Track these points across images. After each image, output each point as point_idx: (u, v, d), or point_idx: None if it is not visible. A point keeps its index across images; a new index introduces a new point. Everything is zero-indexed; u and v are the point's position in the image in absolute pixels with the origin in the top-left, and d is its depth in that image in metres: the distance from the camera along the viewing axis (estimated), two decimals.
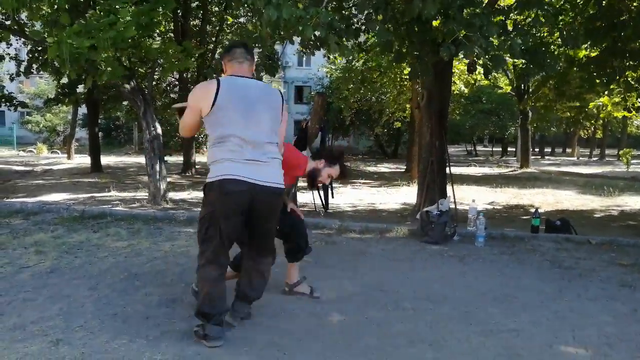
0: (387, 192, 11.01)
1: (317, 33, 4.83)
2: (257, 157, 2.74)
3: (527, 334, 3.06)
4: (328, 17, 4.74)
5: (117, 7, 5.99)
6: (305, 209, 7.44)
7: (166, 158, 8.66)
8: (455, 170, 12.27)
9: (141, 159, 13.81)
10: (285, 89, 35.02)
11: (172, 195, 8.67)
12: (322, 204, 7.61)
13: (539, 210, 6.43)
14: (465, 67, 14.63)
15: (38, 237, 5.13)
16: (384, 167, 20.12)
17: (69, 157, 19.53)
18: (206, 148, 19.00)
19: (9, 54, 12.72)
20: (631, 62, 7.79)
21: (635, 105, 12.14)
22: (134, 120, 22.93)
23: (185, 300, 3.44)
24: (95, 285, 3.72)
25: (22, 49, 13.50)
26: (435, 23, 6.46)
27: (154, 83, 11.19)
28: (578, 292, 3.92)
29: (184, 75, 14.10)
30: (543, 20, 6.19)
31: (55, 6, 6.21)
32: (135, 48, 7.11)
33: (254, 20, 13.12)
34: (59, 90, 14.42)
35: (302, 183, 5.55)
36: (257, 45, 6.99)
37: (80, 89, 14.61)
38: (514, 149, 31.01)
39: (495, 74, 18.76)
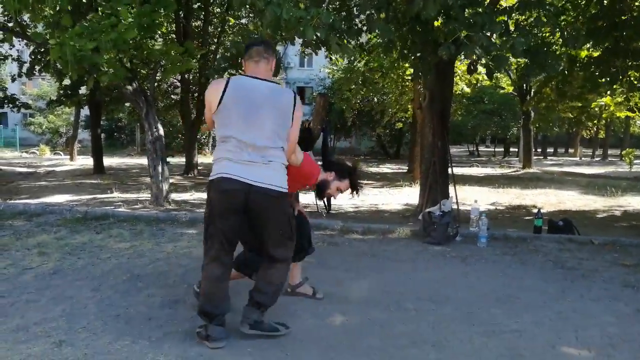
0: (389, 193, 11.01)
1: (318, 34, 4.83)
2: (256, 158, 2.73)
3: (529, 335, 3.06)
4: (329, 18, 4.74)
5: (118, 8, 6.01)
6: (307, 210, 7.44)
7: (168, 159, 8.68)
8: (458, 170, 12.26)
9: (143, 160, 13.83)
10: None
11: (174, 196, 8.69)
12: (325, 205, 7.60)
13: (542, 211, 6.42)
14: (466, 70, 14.68)
15: (41, 239, 5.14)
16: (386, 168, 20.11)
17: (71, 159, 19.57)
18: (208, 149, 19.06)
19: (11, 55, 12.76)
20: (634, 62, 7.76)
21: (639, 105, 12.12)
22: (136, 122, 22.99)
23: (188, 301, 3.44)
24: (98, 287, 3.72)
25: (25, 51, 13.54)
26: (437, 23, 6.46)
27: (155, 84, 11.20)
28: (581, 292, 3.91)
29: (186, 76, 14.12)
30: (544, 20, 6.19)
31: (58, 8, 6.23)
32: (137, 49, 7.13)
33: (255, 21, 13.16)
34: (61, 92, 14.45)
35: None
36: None
37: (83, 90, 14.66)
38: (516, 150, 30.97)
39: (498, 75, 18.76)
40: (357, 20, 6.59)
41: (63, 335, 2.86)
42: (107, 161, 16.48)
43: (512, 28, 5.91)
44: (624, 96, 12.80)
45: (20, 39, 9.25)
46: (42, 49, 10.73)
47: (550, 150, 38.74)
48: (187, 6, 12.64)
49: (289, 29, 4.96)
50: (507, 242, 5.56)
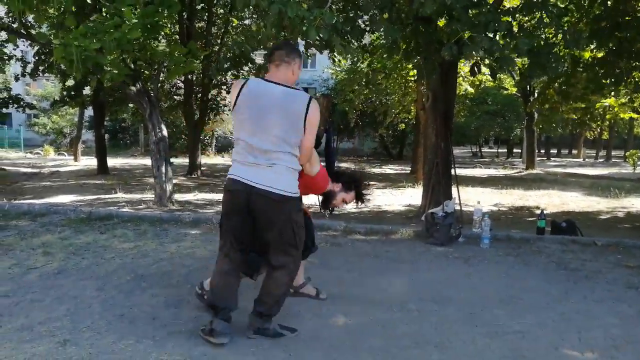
0: (392, 194, 11.02)
1: (321, 35, 4.84)
2: (260, 161, 2.74)
3: (532, 336, 3.06)
4: (332, 19, 4.75)
5: (122, 9, 6.03)
6: (310, 210, 7.44)
7: (172, 160, 8.70)
8: (461, 171, 12.26)
9: (147, 161, 13.88)
10: None
11: (178, 196, 8.71)
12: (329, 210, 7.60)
13: (545, 212, 6.41)
14: (469, 71, 14.66)
15: (45, 239, 5.16)
16: (389, 169, 20.12)
17: (75, 159, 19.63)
18: (211, 150, 19.04)
19: (15, 56, 12.81)
20: (638, 63, 7.76)
21: None
22: (139, 122, 23.03)
23: (192, 301, 3.45)
24: (102, 286, 3.74)
25: (29, 51, 13.59)
26: (440, 23, 6.46)
27: (158, 85, 11.23)
28: (584, 294, 3.91)
29: (189, 77, 14.16)
30: (547, 21, 6.18)
31: (62, 8, 6.26)
32: (140, 50, 7.15)
33: (258, 22, 13.18)
34: (64, 92, 14.51)
35: None
36: (259, 47, 7.02)
37: (87, 91, 14.71)
38: (519, 151, 30.91)
39: (501, 76, 18.73)
40: (360, 20, 6.61)
41: (67, 334, 2.88)
42: (111, 162, 16.51)
43: (515, 29, 5.91)
44: (628, 97, 12.77)
45: (24, 40, 9.31)
46: (46, 50, 10.79)
47: (553, 151, 38.66)
48: (190, 7, 12.67)
49: (292, 29, 4.97)
50: (510, 243, 5.56)
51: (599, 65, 8.25)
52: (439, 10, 5.28)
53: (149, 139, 8.19)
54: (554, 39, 7.54)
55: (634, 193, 11.68)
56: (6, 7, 7.52)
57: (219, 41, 14.70)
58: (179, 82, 16.34)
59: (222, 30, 14.75)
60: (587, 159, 32.77)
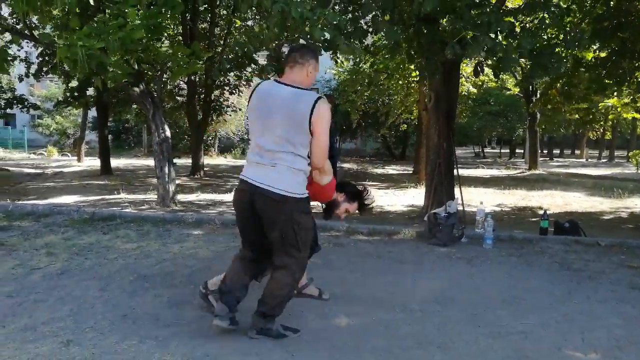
0: (394, 194, 11.01)
1: (326, 34, 4.85)
2: (264, 161, 2.78)
3: (535, 337, 3.06)
4: (336, 18, 4.75)
5: (125, 10, 6.05)
6: (314, 211, 7.44)
7: (175, 160, 8.72)
8: (463, 172, 12.25)
9: (150, 162, 13.89)
10: None
11: (180, 197, 8.72)
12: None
13: (548, 212, 6.40)
14: (472, 72, 14.64)
15: (49, 239, 5.18)
16: (391, 169, 20.11)
17: (79, 160, 19.66)
18: (214, 150, 19.05)
19: (19, 57, 12.86)
20: None
21: None
22: (143, 123, 23.08)
23: (194, 301, 3.45)
24: (105, 287, 3.75)
25: (33, 52, 13.64)
26: (443, 21, 6.45)
27: (161, 86, 11.26)
28: (587, 294, 3.90)
29: (192, 78, 14.18)
30: (548, 21, 6.18)
31: (66, 9, 6.28)
32: (144, 51, 7.17)
33: (261, 23, 13.19)
34: (67, 93, 14.54)
35: None
36: (262, 47, 7.02)
37: (90, 91, 14.74)
38: (522, 151, 30.85)
39: (503, 76, 18.71)
40: (362, 21, 6.61)
41: (70, 334, 2.89)
42: (114, 162, 16.54)
43: (517, 30, 5.91)
44: (631, 97, 12.72)
45: (28, 41, 9.35)
46: (50, 51, 10.82)
47: (556, 151, 38.59)
48: (193, 8, 12.69)
49: (295, 29, 4.98)
50: (513, 243, 5.55)
51: (602, 65, 8.23)
52: (441, 9, 5.28)
53: (152, 139, 8.20)
54: (556, 39, 7.54)
55: (637, 193, 11.65)
56: (10, 8, 7.55)
57: (221, 42, 14.71)
58: (182, 82, 16.37)
59: (225, 31, 14.77)
60: (589, 159, 32.71)
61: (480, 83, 17.01)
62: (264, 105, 2.79)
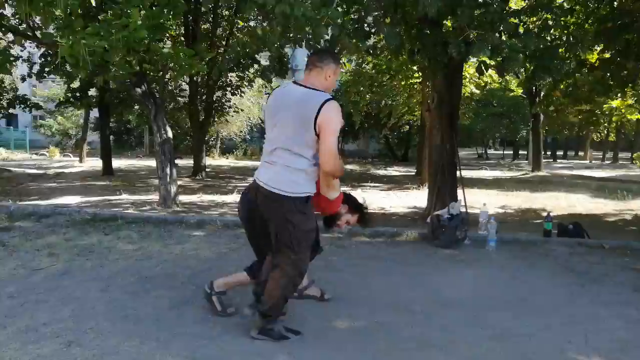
0: (397, 196, 10.98)
1: (331, 32, 4.85)
2: (267, 159, 2.86)
3: (538, 339, 3.03)
4: (338, 17, 4.75)
5: (128, 11, 6.05)
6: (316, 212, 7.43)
7: (176, 161, 8.71)
8: (466, 173, 12.20)
9: (152, 162, 13.89)
10: None
11: (182, 198, 8.72)
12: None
13: (551, 214, 6.37)
14: (475, 70, 14.60)
15: (50, 240, 5.18)
16: (393, 171, 20.08)
17: (80, 161, 19.67)
18: (216, 151, 19.03)
19: (22, 57, 12.87)
20: None
21: None
22: (144, 124, 23.10)
23: (196, 302, 3.45)
24: (106, 288, 3.74)
25: (36, 53, 13.65)
26: (448, 23, 6.44)
27: (164, 86, 11.27)
28: (591, 297, 3.87)
29: (194, 78, 14.18)
30: (551, 23, 6.17)
31: (68, 10, 6.28)
32: (146, 52, 7.17)
33: (263, 25, 13.17)
34: (69, 94, 14.56)
35: None
36: (264, 48, 7.01)
37: (92, 92, 14.75)
38: (525, 152, 30.80)
39: (507, 77, 18.67)
40: (364, 22, 6.59)
41: (72, 335, 2.88)
42: (116, 163, 16.57)
43: (520, 31, 5.89)
44: (635, 99, 12.70)
45: (30, 42, 9.36)
46: (52, 51, 10.82)
47: (560, 153, 38.50)
48: (196, 9, 12.70)
49: (299, 28, 4.97)
50: (516, 245, 5.53)
51: (606, 67, 8.20)
52: (445, 11, 5.26)
53: (154, 140, 8.20)
54: (558, 41, 7.52)
55: None
56: (13, 8, 7.55)
57: (224, 42, 14.70)
58: (183, 83, 16.37)
59: (227, 32, 14.77)
60: (593, 161, 32.62)
61: (483, 84, 16.96)
62: (275, 104, 2.86)
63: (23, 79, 14.00)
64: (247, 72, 14.42)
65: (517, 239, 5.75)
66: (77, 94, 14.35)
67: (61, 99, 15.83)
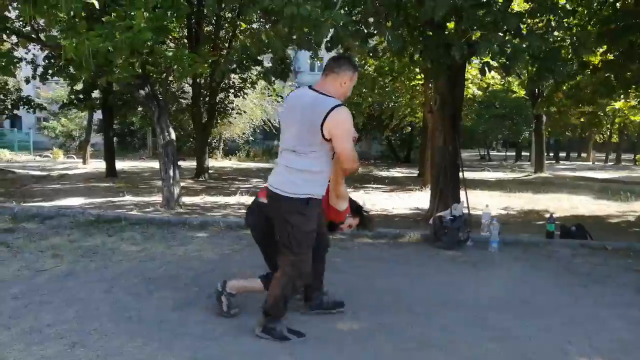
0: (399, 197, 10.98)
1: (335, 32, 4.88)
2: (277, 161, 2.94)
3: (540, 340, 3.04)
4: (341, 19, 4.77)
5: (132, 13, 6.08)
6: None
7: (180, 163, 8.73)
8: (469, 175, 12.20)
9: (155, 164, 13.93)
10: None
11: (185, 200, 8.74)
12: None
13: (554, 216, 6.36)
14: (478, 71, 14.58)
15: (54, 241, 5.20)
16: (396, 172, 20.07)
17: (84, 162, 19.72)
18: (219, 153, 19.03)
19: (26, 59, 12.93)
20: None
21: None
22: (148, 126, 23.15)
23: (199, 304, 3.46)
24: (110, 289, 3.76)
25: (39, 55, 13.70)
26: (450, 25, 6.44)
27: (167, 88, 11.28)
28: (593, 298, 3.87)
29: (197, 80, 14.22)
30: (555, 24, 6.16)
31: (72, 13, 6.31)
32: (149, 54, 7.20)
33: (266, 27, 13.18)
34: (73, 96, 14.61)
35: None
36: (267, 50, 7.03)
37: (96, 94, 14.79)
38: (528, 154, 30.74)
39: (509, 79, 18.64)
40: (365, 25, 6.60)
41: (76, 336, 2.90)
42: (120, 165, 16.59)
43: (524, 31, 5.89)
44: (638, 100, 12.67)
45: (34, 44, 9.40)
46: (56, 53, 10.86)
47: (562, 154, 38.40)
48: (199, 11, 12.73)
49: (302, 29, 4.99)
50: (519, 247, 5.52)
51: (609, 68, 8.18)
52: (449, 13, 5.27)
53: (157, 142, 8.23)
54: (561, 42, 7.51)
55: None
56: (17, 11, 7.59)
57: (227, 45, 14.73)
58: (186, 85, 16.40)
59: (230, 34, 14.80)
60: (596, 162, 32.53)
61: (485, 86, 16.94)
62: (287, 108, 2.91)
63: (27, 81, 14.05)
64: (249, 74, 14.43)
65: (519, 241, 5.75)
66: (81, 96, 14.39)
67: (65, 101, 15.89)
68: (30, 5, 5.88)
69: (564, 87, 10.11)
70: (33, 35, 8.12)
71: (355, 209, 3.45)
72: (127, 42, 6.03)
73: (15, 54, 8.42)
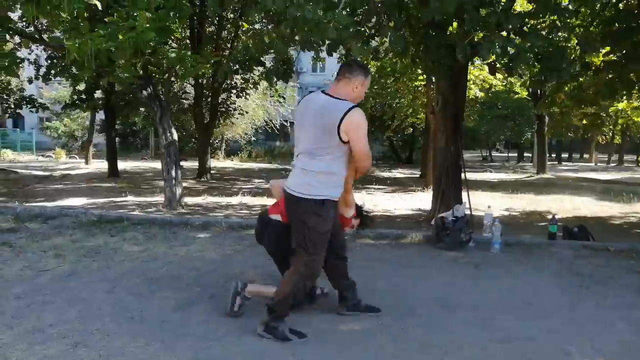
0: (401, 198, 10.97)
1: (340, 35, 4.88)
2: (294, 163, 2.98)
3: (542, 342, 3.03)
4: (345, 21, 4.78)
5: (135, 14, 6.10)
6: None
7: (182, 163, 8.74)
8: (471, 176, 12.19)
9: (157, 164, 13.94)
10: (299, 94, 35.12)
11: (187, 200, 8.75)
12: None
13: (556, 217, 6.35)
14: (480, 72, 14.58)
15: (57, 241, 5.21)
16: (398, 173, 20.06)
17: (86, 162, 19.75)
18: (221, 153, 19.06)
19: (28, 59, 12.96)
20: None
21: None
22: (150, 126, 23.18)
23: (201, 304, 3.47)
24: (112, 289, 3.77)
25: (42, 55, 13.73)
26: (453, 26, 6.43)
27: (169, 89, 11.31)
28: (596, 299, 3.86)
29: (199, 80, 14.24)
30: (559, 24, 6.15)
31: (75, 14, 6.32)
32: (152, 54, 7.22)
33: (268, 27, 13.19)
34: (75, 96, 14.64)
35: None
36: (269, 51, 7.04)
37: (98, 94, 14.82)
38: (530, 155, 30.70)
39: (511, 79, 18.61)
40: (366, 26, 6.60)
41: (78, 336, 2.90)
42: (122, 165, 16.64)
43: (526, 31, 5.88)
44: None
45: (37, 45, 9.42)
46: (59, 54, 10.88)
47: (565, 155, 38.34)
48: (201, 12, 12.75)
49: (304, 31, 5.00)
50: (521, 248, 5.51)
51: (612, 69, 8.16)
52: (452, 13, 5.27)
53: (160, 142, 8.24)
54: (565, 42, 7.50)
55: None
56: (20, 11, 7.61)
57: (229, 45, 14.75)
58: (188, 85, 16.42)
59: (233, 34, 14.82)
60: (599, 164, 32.46)
61: (487, 87, 16.92)
62: (300, 111, 2.94)
63: (30, 81, 14.09)
64: (251, 75, 14.44)
65: (521, 242, 5.74)
66: (83, 96, 14.42)
67: (67, 101, 15.91)
68: (33, 6, 5.89)
69: (566, 88, 10.08)
70: (36, 36, 8.13)
71: (358, 209, 3.51)
72: (130, 43, 6.05)
73: (18, 54, 8.42)
